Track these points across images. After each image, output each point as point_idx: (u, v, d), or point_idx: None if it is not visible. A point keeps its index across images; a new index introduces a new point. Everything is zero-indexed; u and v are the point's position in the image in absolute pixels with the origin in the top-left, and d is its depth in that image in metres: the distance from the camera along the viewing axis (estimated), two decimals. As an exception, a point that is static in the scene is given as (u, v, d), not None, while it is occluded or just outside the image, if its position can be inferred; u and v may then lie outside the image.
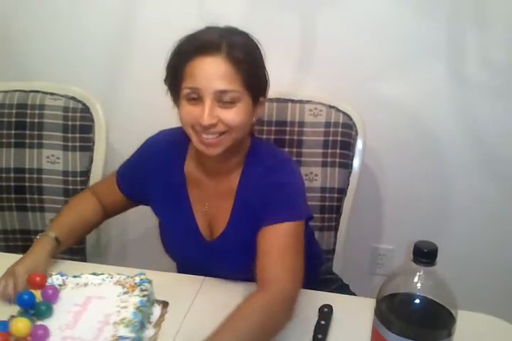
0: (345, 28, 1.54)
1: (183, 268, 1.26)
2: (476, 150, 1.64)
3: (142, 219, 1.86)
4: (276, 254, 1.01)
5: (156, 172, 1.17)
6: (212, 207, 1.14)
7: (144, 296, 0.97)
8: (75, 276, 1.04)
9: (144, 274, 1.04)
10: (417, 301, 0.72)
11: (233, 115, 1.00)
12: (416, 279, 0.72)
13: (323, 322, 0.98)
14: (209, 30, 1.04)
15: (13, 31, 1.73)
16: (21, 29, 1.72)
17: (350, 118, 1.43)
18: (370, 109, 1.57)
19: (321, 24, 1.55)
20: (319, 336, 0.95)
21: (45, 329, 0.88)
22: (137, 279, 1.02)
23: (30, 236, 1.53)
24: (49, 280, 1.01)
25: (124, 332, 0.88)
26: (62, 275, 1.03)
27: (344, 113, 1.44)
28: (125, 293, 0.98)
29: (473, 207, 1.70)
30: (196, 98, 1.00)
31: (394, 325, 0.73)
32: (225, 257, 1.14)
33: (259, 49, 1.07)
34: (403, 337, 0.71)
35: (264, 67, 1.08)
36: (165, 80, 1.07)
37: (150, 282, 1.02)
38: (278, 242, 1.03)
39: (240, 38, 1.03)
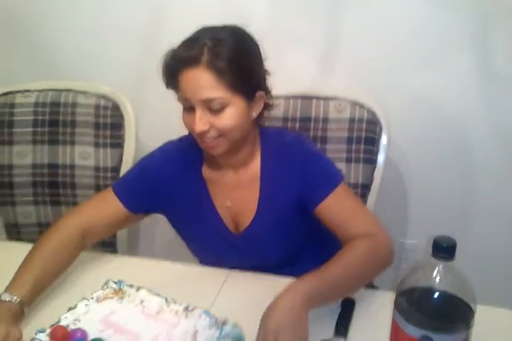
0: (370, 25, 1.55)
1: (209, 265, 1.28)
2: (504, 146, 1.63)
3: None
4: (351, 219, 1.10)
5: (174, 182, 1.19)
6: (236, 200, 1.18)
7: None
8: (69, 309, 0.97)
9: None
10: (436, 295, 0.74)
11: (224, 120, 1.04)
12: (435, 273, 0.74)
13: (345, 315, 1.01)
14: (191, 40, 1.05)
15: (46, 32, 1.79)
16: (53, 29, 1.78)
17: (375, 115, 1.45)
18: (396, 104, 1.58)
19: (346, 21, 1.56)
20: (342, 327, 0.97)
21: None
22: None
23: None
24: (64, 317, 0.95)
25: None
26: (72, 309, 0.97)
27: (368, 109, 1.45)
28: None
29: (498, 203, 1.69)
30: (189, 107, 1.05)
31: (413, 317, 0.74)
32: (257, 245, 1.17)
33: (250, 46, 1.07)
34: (422, 329, 0.73)
35: (258, 65, 1.08)
36: (167, 87, 1.10)
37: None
38: (343, 208, 1.11)
39: (224, 44, 1.02)
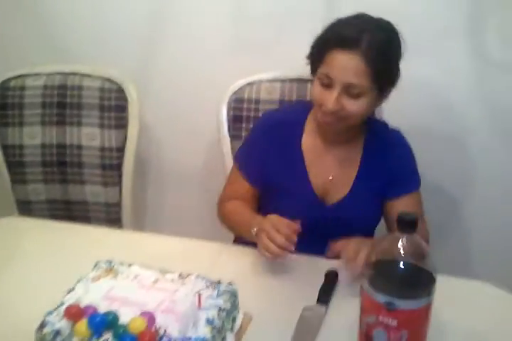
0: (365, 9, 1.57)
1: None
2: (499, 129, 1.65)
3: (179, 186, 1.98)
4: None
5: (273, 149, 1.29)
6: (335, 175, 1.27)
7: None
8: (68, 291, 0.99)
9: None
10: (399, 265, 0.81)
11: (356, 107, 1.13)
12: (399, 246, 0.81)
13: (328, 284, 1.08)
14: (354, 22, 1.13)
15: (53, 16, 1.82)
16: (61, 14, 1.81)
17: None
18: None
19: (342, 5, 1.57)
20: (324, 296, 1.05)
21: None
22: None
23: (71, 206, 1.70)
24: (67, 299, 0.96)
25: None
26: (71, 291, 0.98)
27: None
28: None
29: (497, 190, 1.73)
30: (327, 84, 1.13)
31: (378, 285, 0.81)
32: (343, 219, 1.26)
33: (398, 45, 1.15)
34: (386, 295, 0.80)
35: (397, 62, 1.16)
36: (308, 57, 1.21)
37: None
38: (413, 209, 1.23)
39: (381, 36, 1.11)
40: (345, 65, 1.09)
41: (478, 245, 1.81)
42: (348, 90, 1.11)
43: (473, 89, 1.63)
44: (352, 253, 1.03)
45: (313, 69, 1.19)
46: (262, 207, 1.34)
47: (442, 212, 1.81)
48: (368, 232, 1.32)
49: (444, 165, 1.75)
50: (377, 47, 1.09)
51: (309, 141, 1.29)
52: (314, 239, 1.24)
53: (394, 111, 1.55)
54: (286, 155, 1.28)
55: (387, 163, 1.26)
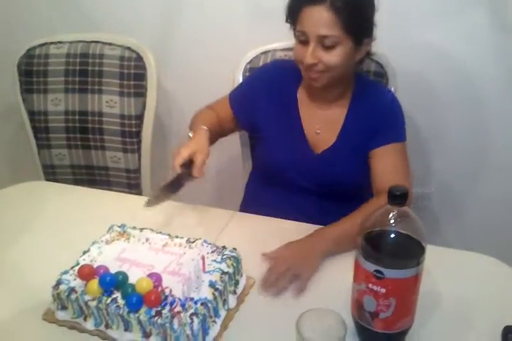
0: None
1: (285, 183, 1.38)
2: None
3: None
4: (387, 174, 1.25)
5: (270, 94, 1.36)
6: (322, 126, 1.34)
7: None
8: (84, 252, 1.06)
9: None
10: (390, 235, 0.84)
11: (332, 57, 1.19)
12: (390, 217, 0.84)
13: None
14: None
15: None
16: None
17: (382, 67, 1.49)
18: (407, 57, 1.60)
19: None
20: None
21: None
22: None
23: (93, 171, 1.77)
24: (82, 260, 1.03)
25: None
26: (86, 252, 1.06)
27: (376, 62, 1.49)
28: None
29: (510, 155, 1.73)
30: (304, 40, 1.20)
31: (369, 254, 0.85)
32: (331, 166, 1.32)
33: None
34: (375, 264, 0.83)
35: (370, 11, 1.21)
36: (286, 21, 1.24)
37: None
38: (388, 163, 1.27)
39: None
40: (315, 18, 1.15)
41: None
42: (323, 42, 1.17)
43: (492, 57, 1.61)
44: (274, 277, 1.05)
45: (294, 31, 1.24)
46: (256, 155, 1.41)
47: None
48: (360, 192, 1.34)
49: (462, 131, 1.75)
50: None
51: (303, 95, 1.35)
52: (308, 196, 1.32)
53: (413, 78, 1.55)
54: (283, 103, 1.35)
55: (370, 121, 1.29)
